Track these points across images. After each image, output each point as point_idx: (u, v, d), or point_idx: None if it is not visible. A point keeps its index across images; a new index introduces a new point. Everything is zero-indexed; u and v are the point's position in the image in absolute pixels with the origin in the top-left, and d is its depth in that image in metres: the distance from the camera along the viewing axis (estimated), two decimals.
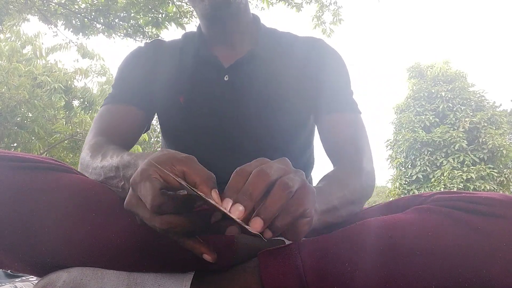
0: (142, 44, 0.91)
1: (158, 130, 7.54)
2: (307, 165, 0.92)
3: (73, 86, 6.55)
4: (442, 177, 13.76)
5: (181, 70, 0.84)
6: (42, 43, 7.45)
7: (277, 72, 0.82)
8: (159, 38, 1.02)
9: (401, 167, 15.06)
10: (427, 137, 14.24)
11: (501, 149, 13.43)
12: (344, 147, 0.76)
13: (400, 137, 15.06)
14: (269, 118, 0.79)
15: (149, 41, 0.91)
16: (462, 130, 14.02)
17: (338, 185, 0.63)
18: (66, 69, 7.00)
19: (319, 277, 0.50)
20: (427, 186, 14.00)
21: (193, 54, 0.85)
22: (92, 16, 4.87)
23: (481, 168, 13.40)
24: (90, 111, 6.36)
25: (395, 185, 15.21)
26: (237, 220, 0.36)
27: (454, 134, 13.88)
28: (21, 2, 4.52)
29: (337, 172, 0.71)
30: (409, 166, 14.66)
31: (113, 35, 5.01)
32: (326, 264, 0.51)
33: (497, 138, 13.51)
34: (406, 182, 14.67)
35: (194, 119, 0.80)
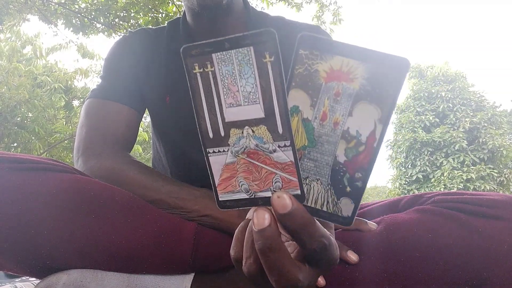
0: (127, 34, 0.86)
1: None
2: None
3: (73, 86, 6.55)
4: (442, 177, 13.76)
5: (167, 67, 0.80)
6: (42, 43, 7.46)
7: None
8: (144, 27, 0.92)
9: (401, 167, 15.05)
10: (427, 137, 14.24)
11: (501, 149, 13.42)
12: None
13: (400, 137, 15.06)
14: None
15: (134, 30, 0.87)
16: (462, 130, 14.02)
17: None
18: (66, 69, 7.00)
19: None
20: (427, 186, 14.00)
21: (178, 50, 0.79)
22: (92, 16, 4.87)
23: (481, 168, 13.40)
24: None
25: (395, 185, 15.22)
26: None
27: (454, 134, 13.87)
28: (21, 2, 4.52)
29: None
30: (409, 166, 14.66)
31: (113, 34, 5.00)
32: None
33: (497, 138, 13.51)
34: (406, 182, 14.68)
35: (181, 119, 0.78)
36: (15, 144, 7.00)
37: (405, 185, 14.67)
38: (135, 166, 0.64)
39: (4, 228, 0.48)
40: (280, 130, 0.30)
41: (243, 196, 0.33)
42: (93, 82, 7.18)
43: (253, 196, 0.32)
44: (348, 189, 0.31)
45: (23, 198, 0.49)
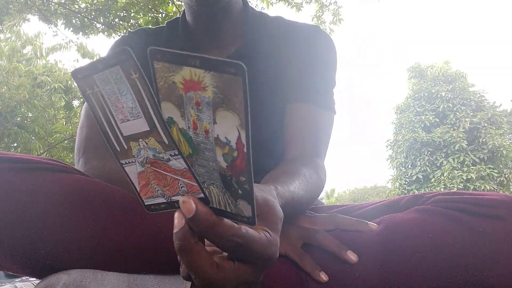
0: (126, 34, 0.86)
1: None
2: None
3: (73, 86, 6.54)
4: (442, 177, 13.77)
5: None
6: (42, 43, 7.46)
7: (264, 70, 0.78)
8: (142, 27, 0.93)
9: (401, 167, 15.06)
10: (427, 137, 14.24)
11: (501, 149, 13.44)
12: (303, 142, 0.72)
13: (400, 137, 15.07)
14: (257, 119, 0.71)
15: (133, 30, 0.87)
16: (462, 130, 14.03)
17: (303, 180, 0.59)
18: (66, 69, 7.00)
19: None
20: (427, 186, 14.00)
21: (177, 49, 0.78)
22: (92, 16, 4.88)
23: (481, 168, 13.41)
24: None
25: (395, 185, 15.23)
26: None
27: (454, 134, 13.88)
28: (21, 2, 4.52)
29: (300, 168, 0.64)
30: (409, 166, 14.67)
31: (113, 34, 5.00)
32: (327, 264, 0.51)
33: (497, 138, 13.53)
34: (406, 182, 14.68)
35: None
36: (15, 144, 7.00)
37: (405, 185, 14.68)
38: None
39: (4, 228, 0.48)
40: (166, 140, 0.30)
41: (162, 200, 0.34)
42: None
43: (169, 200, 0.34)
44: (240, 191, 0.32)
45: (23, 198, 0.49)
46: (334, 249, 0.52)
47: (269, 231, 0.35)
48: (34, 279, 1.11)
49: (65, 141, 7.00)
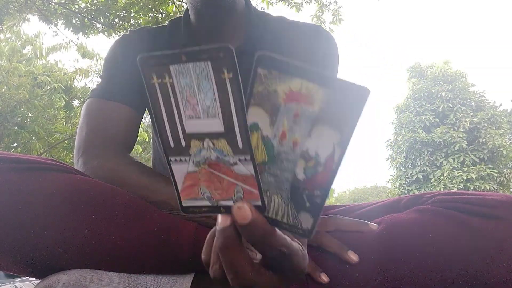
0: (127, 33, 0.85)
1: None
2: None
3: (73, 86, 6.54)
4: (442, 177, 13.77)
5: None
6: (42, 43, 7.46)
7: None
8: (144, 26, 0.91)
9: (401, 167, 15.06)
10: (427, 137, 14.24)
11: (501, 149, 13.44)
12: None
13: (400, 137, 15.07)
14: None
15: (134, 29, 0.86)
16: (462, 130, 14.03)
17: None
18: (66, 69, 7.00)
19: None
20: (427, 186, 14.00)
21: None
22: (92, 16, 4.88)
23: (481, 168, 13.41)
24: None
25: (395, 185, 15.23)
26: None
27: (454, 134, 13.88)
28: (21, 2, 4.52)
29: None
30: (409, 166, 14.67)
31: (113, 34, 5.01)
32: (327, 264, 0.52)
33: (497, 138, 13.53)
34: (406, 182, 14.68)
35: None
36: (15, 144, 7.00)
37: (405, 185, 14.67)
38: (136, 167, 0.64)
39: (4, 228, 0.48)
40: (240, 145, 0.30)
41: (206, 203, 0.33)
42: (93, 82, 7.16)
43: (215, 204, 0.33)
44: (308, 204, 0.31)
45: (23, 198, 0.49)
46: (335, 249, 0.52)
47: (302, 245, 0.35)
48: (34, 279, 1.11)
49: (65, 141, 6.99)
